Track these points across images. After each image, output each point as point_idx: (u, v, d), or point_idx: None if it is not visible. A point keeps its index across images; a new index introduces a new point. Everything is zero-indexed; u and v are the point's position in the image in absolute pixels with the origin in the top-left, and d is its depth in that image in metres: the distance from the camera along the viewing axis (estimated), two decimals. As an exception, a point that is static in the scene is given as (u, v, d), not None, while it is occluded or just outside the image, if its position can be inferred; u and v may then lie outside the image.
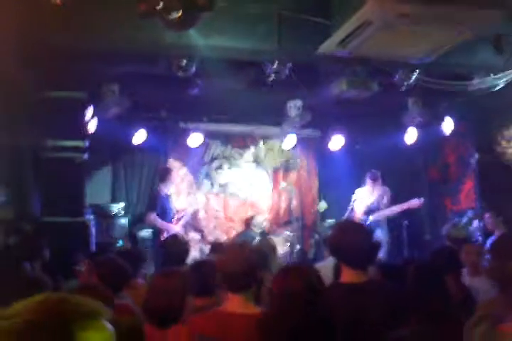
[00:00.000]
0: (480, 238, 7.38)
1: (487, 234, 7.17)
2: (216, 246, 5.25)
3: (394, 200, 8.00)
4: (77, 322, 1.13)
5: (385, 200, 7.97)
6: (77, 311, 1.15)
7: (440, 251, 4.26)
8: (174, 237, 5.87)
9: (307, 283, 2.14)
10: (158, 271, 3.52)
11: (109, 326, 1.20)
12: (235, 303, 2.60)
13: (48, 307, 1.14)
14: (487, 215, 7.08)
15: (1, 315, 1.12)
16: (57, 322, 1.11)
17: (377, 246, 2.88)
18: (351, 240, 2.74)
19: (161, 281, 2.97)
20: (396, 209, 7.86)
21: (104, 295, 2.69)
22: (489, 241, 6.43)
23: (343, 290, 2.67)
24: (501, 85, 5.51)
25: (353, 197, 8.08)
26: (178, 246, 4.91)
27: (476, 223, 7.84)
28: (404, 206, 7.83)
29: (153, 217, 7.03)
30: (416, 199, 7.84)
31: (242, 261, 2.64)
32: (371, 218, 7.88)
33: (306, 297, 2.09)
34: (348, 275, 2.73)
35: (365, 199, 8.07)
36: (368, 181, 8.10)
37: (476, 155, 8.00)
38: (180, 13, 3.58)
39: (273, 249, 5.70)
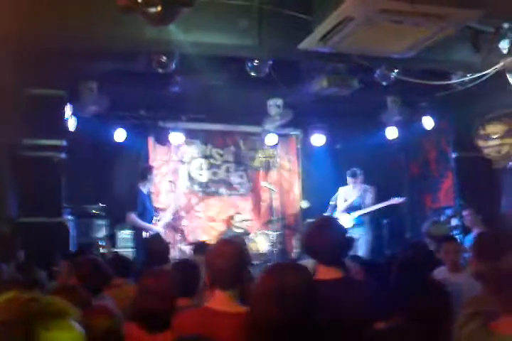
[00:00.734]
0: (459, 236, 7.45)
1: (466, 231, 7.25)
2: (199, 246, 5.19)
3: (376, 197, 8.06)
4: (43, 321, 1.13)
5: (368, 199, 8.01)
6: (43, 311, 1.15)
7: (416, 248, 4.28)
8: (156, 236, 5.81)
9: (304, 281, 2.13)
10: (145, 272, 3.45)
11: (77, 326, 1.19)
12: (219, 301, 2.56)
13: (15, 306, 1.14)
14: (466, 212, 7.15)
15: None
16: (22, 321, 1.11)
17: (349, 241, 2.89)
18: (321, 237, 2.74)
19: (151, 282, 2.91)
20: (378, 206, 7.93)
21: (81, 297, 2.63)
22: (467, 239, 6.50)
23: (318, 287, 2.66)
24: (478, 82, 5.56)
25: (336, 194, 8.14)
26: (160, 245, 4.87)
27: (454, 221, 7.93)
28: (386, 203, 7.91)
29: (132, 217, 6.94)
30: (398, 197, 7.92)
31: (232, 257, 2.58)
32: (353, 216, 7.91)
33: (303, 295, 2.07)
34: (323, 273, 2.72)
35: (347, 197, 8.11)
36: (349, 179, 8.15)
37: (455, 153, 8.09)
38: (159, 8, 3.53)
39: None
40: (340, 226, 2.93)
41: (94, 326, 1.78)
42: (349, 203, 8.03)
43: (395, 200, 7.92)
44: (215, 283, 2.63)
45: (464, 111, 7.54)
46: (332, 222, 3.04)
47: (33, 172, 6.10)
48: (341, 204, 8.12)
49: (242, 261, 2.62)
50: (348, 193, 8.15)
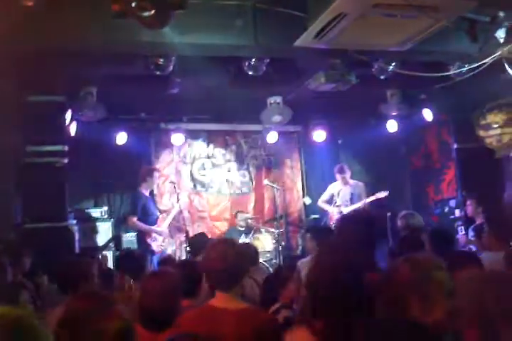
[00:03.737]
0: (462, 227, 7.45)
1: (468, 222, 7.25)
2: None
3: (370, 191, 8.10)
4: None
5: (358, 195, 8.03)
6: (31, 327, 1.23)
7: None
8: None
9: None
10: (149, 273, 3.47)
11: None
12: (221, 300, 2.59)
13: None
14: (468, 202, 7.15)
15: None
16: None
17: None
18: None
19: (152, 282, 2.93)
20: (363, 201, 7.93)
21: (103, 301, 2.65)
22: (471, 230, 6.52)
23: None
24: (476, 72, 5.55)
25: (328, 191, 8.19)
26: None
27: (458, 212, 7.93)
28: (372, 198, 7.91)
29: (133, 220, 6.96)
30: (382, 191, 7.94)
31: (226, 258, 2.59)
32: (344, 211, 7.86)
33: None
34: None
35: (336, 193, 8.16)
36: (337, 175, 8.15)
37: (456, 144, 8.08)
38: (152, 12, 3.55)
39: None
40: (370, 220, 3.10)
41: (105, 330, 1.79)
42: (339, 199, 8.06)
43: (380, 194, 7.92)
44: (213, 285, 2.65)
45: (463, 102, 7.53)
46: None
47: (36, 178, 6.13)
48: (324, 199, 8.18)
49: (235, 262, 2.61)
50: (337, 189, 8.18)
